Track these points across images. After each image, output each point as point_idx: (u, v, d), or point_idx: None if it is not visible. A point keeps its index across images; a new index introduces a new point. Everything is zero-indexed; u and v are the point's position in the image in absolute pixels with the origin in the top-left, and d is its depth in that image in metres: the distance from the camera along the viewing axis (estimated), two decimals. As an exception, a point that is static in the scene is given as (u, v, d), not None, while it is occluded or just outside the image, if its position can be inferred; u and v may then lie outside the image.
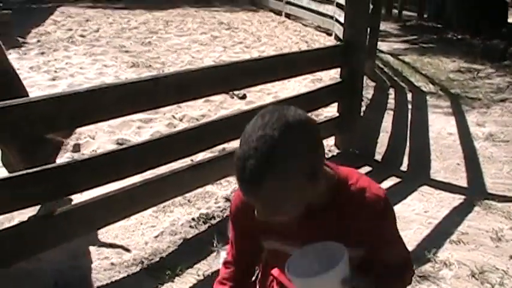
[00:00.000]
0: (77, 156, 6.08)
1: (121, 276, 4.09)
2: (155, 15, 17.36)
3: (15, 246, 3.57)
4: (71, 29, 14.34)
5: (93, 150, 6.26)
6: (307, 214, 1.97)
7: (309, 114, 6.31)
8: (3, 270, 3.77)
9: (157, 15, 17.54)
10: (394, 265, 2.16)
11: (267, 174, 1.72)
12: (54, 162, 4.50)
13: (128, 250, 4.37)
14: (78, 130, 6.46)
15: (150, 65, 10.26)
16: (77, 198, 4.07)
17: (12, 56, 11.07)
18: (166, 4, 19.59)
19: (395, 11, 21.27)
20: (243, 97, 8.50)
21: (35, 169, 3.54)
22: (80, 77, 9.37)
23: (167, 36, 13.65)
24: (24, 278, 4.00)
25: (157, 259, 4.28)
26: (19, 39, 12.47)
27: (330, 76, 9.17)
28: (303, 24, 16.79)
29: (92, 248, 4.38)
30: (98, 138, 6.62)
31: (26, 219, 4.26)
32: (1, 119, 3.22)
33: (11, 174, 3.77)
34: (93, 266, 4.17)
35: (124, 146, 4.30)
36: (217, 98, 8.14)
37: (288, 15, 18.08)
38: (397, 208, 5.10)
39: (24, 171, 3.48)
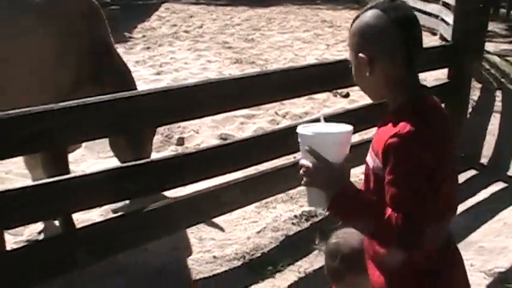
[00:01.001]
0: (181, 150, 6.19)
1: (222, 269, 4.15)
2: (257, 12, 17.47)
3: (124, 236, 3.65)
4: (175, 25, 14.62)
5: (196, 144, 6.36)
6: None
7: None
8: (111, 259, 3.89)
9: (260, 12, 17.65)
10: (391, 207, 1.94)
11: None
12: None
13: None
14: (183, 124, 6.57)
15: (253, 62, 10.33)
16: (181, 191, 4.13)
17: (119, 50, 11.34)
18: (269, 1, 19.67)
19: (503, 10, 20.62)
20: (346, 95, 8.44)
21: (140, 161, 3.63)
22: (184, 71, 9.55)
23: (270, 33, 13.72)
24: (131, 266, 4.11)
25: (259, 254, 4.31)
26: (125, 34, 12.82)
27: (434, 76, 8.98)
28: (407, 23, 16.54)
29: (194, 241, 4.46)
30: (201, 132, 6.73)
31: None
32: (111, 111, 3.30)
33: (116, 166, 3.88)
34: (195, 258, 4.24)
35: (228, 142, 4.35)
36: (321, 96, 8.11)
37: (391, 14, 17.85)
38: (503, 214, 4.95)
39: (131, 163, 3.56)
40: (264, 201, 4.88)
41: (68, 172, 4.10)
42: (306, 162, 2.10)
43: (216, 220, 4.54)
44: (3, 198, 2.92)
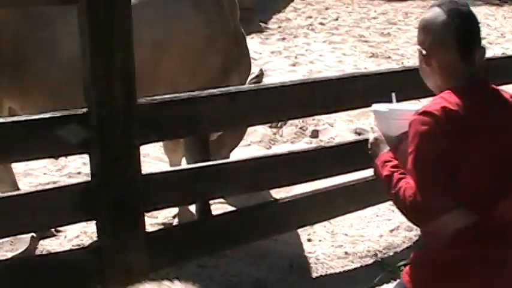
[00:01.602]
0: (315, 142, 6.19)
1: (354, 266, 4.10)
2: (394, 6, 17.15)
3: (256, 226, 3.68)
4: (310, 17, 14.59)
5: (330, 138, 6.33)
6: None
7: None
8: (239, 249, 3.94)
9: (397, 6, 17.32)
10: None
11: None
12: None
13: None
14: (318, 117, 6.54)
15: (389, 56, 10.16)
16: (317, 185, 4.11)
17: (255, 40, 11.50)
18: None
19: None
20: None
21: (281, 152, 3.65)
22: (319, 64, 9.51)
23: (406, 27, 13.44)
24: (259, 257, 4.13)
25: (392, 253, 4.23)
26: (261, 24, 12.92)
27: None
28: (552, 21, 15.81)
29: (327, 235, 4.43)
30: (336, 125, 6.68)
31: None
32: (256, 100, 3.34)
33: (258, 155, 3.91)
34: (327, 252, 4.22)
35: (363, 137, 4.29)
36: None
37: (535, 11, 17.11)
38: None
39: (273, 154, 3.59)
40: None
41: (209, 159, 4.17)
42: (373, 135, 2.43)
43: (350, 215, 4.48)
44: (147, 182, 3.00)
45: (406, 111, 2.31)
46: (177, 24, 4.01)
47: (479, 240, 2.13)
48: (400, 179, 2.16)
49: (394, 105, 2.41)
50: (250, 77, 4.61)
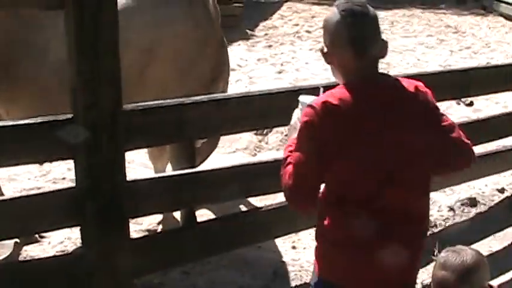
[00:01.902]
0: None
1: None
2: (380, 15, 17.07)
3: (240, 233, 3.68)
4: (297, 25, 14.63)
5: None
6: None
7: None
8: (223, 256, 3.94)
9: (383, 14, 17.35)
10: None
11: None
12: None
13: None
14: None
15: (375, 65, 10.19)
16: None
17: (241, 47, 11.51)
18: (392, 4, 19.36)
19: None
20: (470, 104, 8.21)
21: (268, 159, 3.63)
22: (305, 71, 9.55)
23: (392, 36, 13.50)
24: (243, 264, 4.13)
25: None
26: (248, 31, 12.94)
27: None
28: (536, 32, 15.91)
29: (312, 243, 4.42)
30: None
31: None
32: (249, 108, 3.36)
33: (246, 162, 3.90)
34: (311, 260, 4.19)
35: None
36: (443, 104, 7.90)
37: (520, 22, 17.21)
38: None
39: (260, 160, 3.57)
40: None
41: (194, 166, 4.17)
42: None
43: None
44: (132, 188, 2.99)
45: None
46: (166, 28, 3.98)
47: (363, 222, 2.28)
48: (290, 163, 2.30)
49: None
50: None
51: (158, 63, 3.96)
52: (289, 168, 2.29)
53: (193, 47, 4.09)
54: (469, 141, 2.45)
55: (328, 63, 2.38)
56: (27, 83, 3.81)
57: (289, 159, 2.32)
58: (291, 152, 2.34)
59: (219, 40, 4.33)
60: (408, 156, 2.28)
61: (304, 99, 2.47)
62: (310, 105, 2.24)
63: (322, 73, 9.38)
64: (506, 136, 5.31)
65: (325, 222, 2.36)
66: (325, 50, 2.35)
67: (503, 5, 18.77)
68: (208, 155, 5.00)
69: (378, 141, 2.24)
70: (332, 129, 2.21)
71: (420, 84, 2.42)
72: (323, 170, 2.25)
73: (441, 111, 2.43)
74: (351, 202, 2.29)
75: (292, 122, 2.53)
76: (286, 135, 6.50)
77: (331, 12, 2.32)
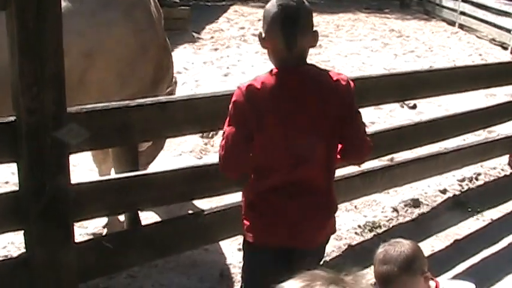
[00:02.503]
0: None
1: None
2: (326, 19, 17.39)
3: (187, 235, 3.68)
4: (243, 28, 14.68)
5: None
6: None
7: (482, 130, 6.17)
8: (170, 259, 3.94)
9: (328, 18, 17.57)
10: None
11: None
12: None
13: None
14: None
15: (320, 68, 10.29)
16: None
17: (188, 50, 11.50)
18: (338, 8, 19.58)
19: None
20: (414, 107, 8.36)
21: (216, 161, 3.64)
22: (251, 74, 9.54)
23: (338, 40, 13.67)
24: (190, 267, 4.13)
25: (321, 262, 4.27)
26: (194, 34, 12.93)
27: (506, 92, 8.81)
28: (476, 36, 16.18)
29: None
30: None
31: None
32: (191, 111, 3.36)
33: (192, 165, 3.90)
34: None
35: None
36: (387, 106, 8.03)
37: (461, 26, 17.52)
38: None
39: (206, 163, 3.57)
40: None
41: (137, 169, 4.14)
42: None
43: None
44: (76, 191, 2.96)
45: None
46: (106, 33, 3.92)
47: (268, 190, 2.66)
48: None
49: None
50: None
51: (98, 68, 3.89)
52: (222, 141, 2.60)
53: (133, 51, 4.05)
54: (368, 140, 2.76)
55: (263, 47, 2.64)
56: None
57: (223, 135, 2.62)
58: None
59: (161, 43, 4.30)
60: (314, 140, 2.60)
61: None
62: (238, 87, 2.59)
63: (268, 76, 9.43)
64: (448, 138, 5.44)
65: (246, 188, 2.80)
66: (263, 35, 2.60)
67: (445, 10, 19.17)
68: (154, 158, 4.99)
69: (290, 123, 2.57)
70: (252, 108, 2.54)
71: (344, 78, 2.68)
72: (247, 141, 2.57)
73: (356, 108, 2.70)
74: (265, 172, 2.66)
75: None
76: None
77: (270, 4, 2.55)
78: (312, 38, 2.61)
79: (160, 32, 4.33)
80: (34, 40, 2.61)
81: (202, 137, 6.50)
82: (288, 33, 2.49)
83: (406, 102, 8.25)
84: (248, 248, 2.86)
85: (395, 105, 8.22)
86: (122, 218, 4.51)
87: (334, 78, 2.63)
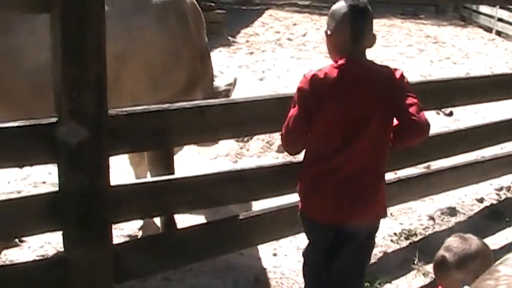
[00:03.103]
0: (282, 157, 6.22)
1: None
2: (361, 24, 17.32)
3: (222, 239, 3.68)
4: (278, 32, 14.70)
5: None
6: None
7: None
8: (205, 262, 3.94)
9: (364, 24, 17.49)
10: None
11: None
12: None
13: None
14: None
15: (355, 74, 10.25)
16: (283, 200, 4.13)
17: (223, 54, 11.53)
18: (373, 14, 19.48)
19: None
20: (450, 114, 8.29)
21: (239, 168, 3.65)
22: (286, 79, 9.57)
23: (373, 46, 13.59)
24: (225, 271, 4.13)
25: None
26: (229, 38, 12.97)
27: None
28: (514, 43, 16.08)
29: (293, 250, 4.45)
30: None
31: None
32: (229, 115, 3.36)
33: (227, 169, 3.91)
34: (292, 267, 4.23)
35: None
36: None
37: (498, 33, 17.38)
38: None
39: (231, 169, 3.58)
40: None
41: (172, 172, 4.16)
42: None
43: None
44: (115, 193, 2.98)
45: None
46: (140, 37, 3.96)
47: (327, 172, 2.96)
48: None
49: None
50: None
51: (130, 72, 3.94)
52: (286, 122, 2.99)
53: (166, 56, 4.07)
54: (424, 118, 2.93)
55: (328, 44, 3.00)
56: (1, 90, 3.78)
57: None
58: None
59: (196, 49, 4.30)
60: (370, 125, 2.89)
61: None
62: (304, 75, 2.95)
63: (303, 81, 9.42)
64: (486, 147, 5.37)
65: (304, 170, 3.11)
66: (329, 32, 2.95)
67: (482, 16, 18.98)
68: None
69: (347, 110, 2.88)
70: (314, 95, 2.88)
71: (399, 71, 3.01)
72: (306, 123, 2.93)
73: (407, 92, 2.96)
74: (322, 154, 2.97)
75: None
76: (267, 142, 6.56)
77: (339, 4, 2.91)
78: (372, 38, 2.98)
79: (197, 37, 4.33)
80: (77, 42, 2.63)
81: (237, 140, 6.50)
82: (356, 29, 2.86)
83: (442, 109, 8.18)
84: (311, 226, 3.13)
85: (431, 112, 8.14)
86: (157, 220, 4.53)
87: (391, 71, 2.99)
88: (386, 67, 3.04)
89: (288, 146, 3.14)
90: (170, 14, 4.11)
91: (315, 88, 2.87)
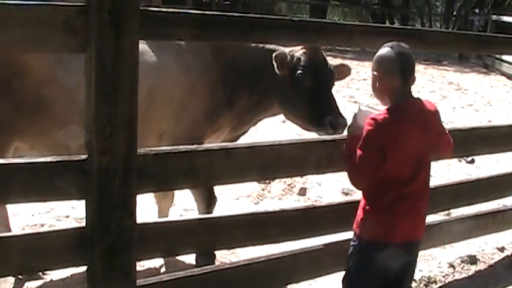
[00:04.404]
0: (302, 200, 6.25)
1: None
2: (365, 66, 17.39)
3: (240, 281, 3.70)
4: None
5: (318, 196, 6.39)
6: None
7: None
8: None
9: (368, 67, 17.54)
10: None
11: None
12: None
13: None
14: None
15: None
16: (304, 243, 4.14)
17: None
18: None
19: None
20: (472, 161, 8.28)
21: (274, 210, 3.68)
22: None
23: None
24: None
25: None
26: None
27: None
28: (537, 92, 16.06)
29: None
30: (324, 184, 6.76)
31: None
32: (253, 158, 3.44)
33: (256, 211, 3.95)
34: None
35: (353, 198, 4.34)
36: (445, 160, 7.95)
37: (521, 81, 17.40)
38: None
39: (269, 210, 3.62)
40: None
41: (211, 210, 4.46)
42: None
43: (335, 276, 4.50)
44: (141, 230, 3.02)
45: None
46: (162, 73, 4.22)
47: (401, 197, 3.28)
48: (352, 153, 3.25)
49: (370, 109, 3.44)
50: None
51: (157, 107, 4.20)
52: (356, 158, 3.22)
53: (184, 90, 4.33)
54: (451, 138, 3.53)
55: (376, 88, 3.30)
56: (56, 121, 3.97)
57: (352, 149, 3.26)
58: (354, 146, 3.24)
59: (212, 80, 4.48)
60: (429, 152, 3.34)
61: (363, 108, 3.43)
62: (372, 118, 3.18)
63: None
64: (507, 196, 5.37)
65: (375, 195, 3.35)
66: (378, 76, 3.26)
67: (505, 64, 18.98)
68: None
69: (414, 143, 3.23)
70: (385, 135, 3.16)
71: (434, 104, 3.45)
72: (380, 161, 3.17)
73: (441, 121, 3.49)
74: (396, 182, 3.26)
75: (353, 124, 3.42)
76: (289, 185, 6.58)
77: (385, 51, 3.26)
78: (414, 78, 3.30)
79: (215, 69, 4.51)
80: (110, 82, 2.71)
81: (259, 182, 6.54)
82: (405, 73, 3.22)
83: (464, 156, 8.16)
84: (375, 248, 3.33)
85: (454, 160, 8.15)
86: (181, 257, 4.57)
87: (431, 104, 3.40)
88: (427, 101, 3.41)
89: (359, 183, 3.41)
90: (185, 51, 4.41)
91: (385, 130, 3.16)
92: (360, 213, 3.42)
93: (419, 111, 3.30)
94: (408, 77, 3.25)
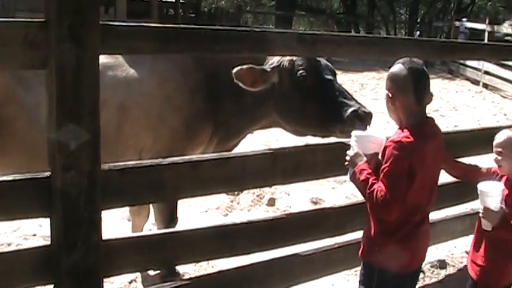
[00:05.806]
0: (271, 210, 6.24)
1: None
2: (350, 77, 17.54)
3: None
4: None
5: (287, 206, 6.39)
6: None
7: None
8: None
9: (353, 77, 17.71)
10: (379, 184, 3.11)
11: None
12: None
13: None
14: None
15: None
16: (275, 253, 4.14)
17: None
18: (362, 67, 19.71)
19: None
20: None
21: (242, 221, 3.66)
22: (276, 132, 9.48)
23: (362, 98, 13.66)
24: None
25: None
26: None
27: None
28: (501, 96, 16.24)
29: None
30: (292, 194, 6.75)
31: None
32: (222, 170, 3.42)
33: (222, 223, 3.93)
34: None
35: (322, 206, 4.35)
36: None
37: (485, 86, 17.58)
38: None
39: (236, 222, 3.60)
40: (353, 270, 4.81)
41: (174, 224, 4.36)
42: (353, 150, 3.22)
43: (306, 285, 4.49)
44: (108, 247, 3.00)
45: (377, 137, 3.25)
46: (135, 87, 4.11)
47: (421, 221, 3.26)
48: (374, 183, 3.05)
49: (369, 132, 3.42)
50: None
51: (131, 122, 4.08)
52: (380, 188, 3.02)
53: (160, 103, 4.17)
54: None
55: (390, 107, 3.19)
56: (17, 140, 3.88)
57: (372, 180, 3.07)
58: (370, 174, 3.09)
59: (189, 90, 4.28)
60: (439, 173, 3.37)
61: (358, 132, 3.30)
62: (396, 142, 3.04)
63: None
64: (475, 199, 5.38)
65: (397, 223, 3.16)
66: (390, 95, 3.15)
67: (469, 69, 19.21)
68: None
69: (433, 165, 3.22)
70: (413, 159, 3.04)
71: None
72: (407, 186, 3.05)
73: None
74: (414, 209, 3.17)
75: (356, 151, 3.21)
76: (258, 196, 6.57)
77: (398, 68, 3.15)
78: (431, 95, 3.20)
79: (191, 79, 4.31)
80: (72, 97, 2.68)
81: (228, 193, 6.52)
82: (419, 90, 3.11)
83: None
84: (404, 280, 3.31)
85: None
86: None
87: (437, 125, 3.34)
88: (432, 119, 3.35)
89: (392, 214, 3.10)
90: (159, 62, 4.27)
91: (412, 153, 3.05)
92: (375, 243, 3.26)
93: (432, 131, 3.25)
94: (423, 95, 3.13)
